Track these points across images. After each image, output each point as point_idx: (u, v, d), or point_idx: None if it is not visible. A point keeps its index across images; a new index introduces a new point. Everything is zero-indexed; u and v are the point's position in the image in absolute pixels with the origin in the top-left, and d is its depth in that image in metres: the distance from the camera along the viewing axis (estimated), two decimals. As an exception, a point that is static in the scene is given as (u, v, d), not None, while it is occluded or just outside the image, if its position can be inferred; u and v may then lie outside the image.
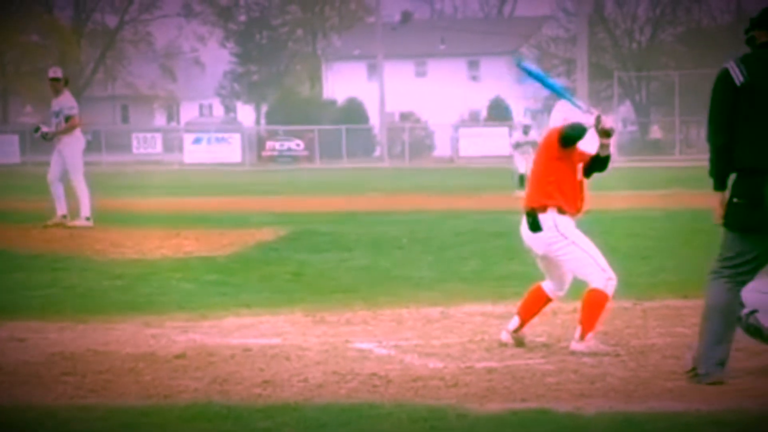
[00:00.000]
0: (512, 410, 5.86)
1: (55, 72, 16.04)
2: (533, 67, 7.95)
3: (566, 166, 7.42)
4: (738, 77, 6.19)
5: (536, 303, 7.70)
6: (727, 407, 5.89)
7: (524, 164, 23.51)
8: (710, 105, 6.28)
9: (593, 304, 7.35)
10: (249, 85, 71.76)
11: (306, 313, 9.10)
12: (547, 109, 64.27)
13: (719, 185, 6.35)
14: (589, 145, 7.47)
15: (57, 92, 15.80)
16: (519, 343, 7.63)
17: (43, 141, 16.33)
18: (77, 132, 15.81)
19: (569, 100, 7.56)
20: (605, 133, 7.41)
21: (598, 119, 7.38)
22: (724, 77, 6.22)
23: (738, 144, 6.25)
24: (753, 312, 6.69)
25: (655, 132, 59.19)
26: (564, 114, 7.54)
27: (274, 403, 6.08)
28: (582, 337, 7.33)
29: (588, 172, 7.58)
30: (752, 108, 6.18)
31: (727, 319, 6.43)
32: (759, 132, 6.21)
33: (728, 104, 6.20)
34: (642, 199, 22.65)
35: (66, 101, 15.75)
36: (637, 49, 63.65)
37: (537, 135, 25.03)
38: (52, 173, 15.79)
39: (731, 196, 6.33)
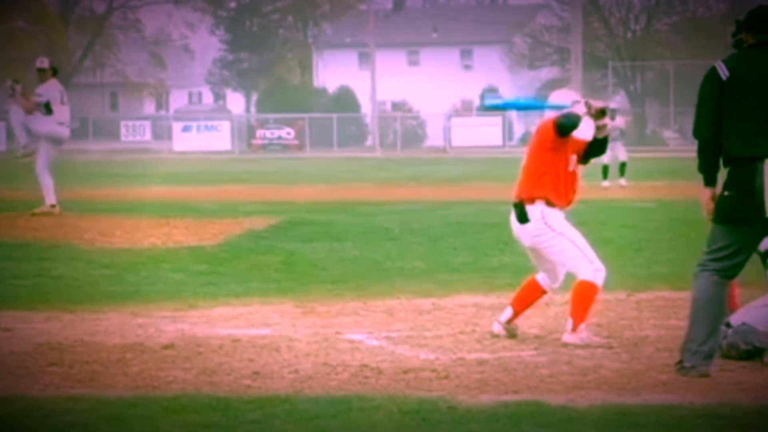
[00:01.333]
0: (504, 402, 5.82)
1: (42, 62, 15.86)
2: (499, 100, 7.93)
3: (559, 157, 7.39)
4: (724, 72, 6.34)
5: (531, 295, 7.66)
6: (720, 400, 5.88)
7: (609, 153, 23.43)
8: (697, 101, 6.41)
9: (583, 295, 7.32)
10: (239, 72, 71.59)
11: (296, 303, 9.04)
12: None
13: (709, 180, 6.41)
14: (584, 132, 7.44)
15: (42, 82, 15.65)
16: (511, 334, 7.58)
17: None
18: (51, 123, 15.48)
19: (551, 107, 7.52)
20: (600, 114, 7.39)
21: (587, 105, 7.36)
22: (711, 73, 6.37)
23: (726, 136, 6.34)
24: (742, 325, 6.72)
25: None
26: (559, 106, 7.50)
27: (263, 395, 6.03)
28: (574, 329, 7.30)
29: (586, 157, 7.56)
30: (737, 99, 6.31)
31: (713, 313, 6.45)
32: (745, 122, 6.31)
33: (714, 98, 6.33)
34: (636, 190, 22.62)
35: (40, 89, 15.55)
36: (631, 39, 63.56)
37: (622, 121, 24.83)
38: (39, 164, 15.61)
39: (722, 190, 6.38)
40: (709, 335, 6.42)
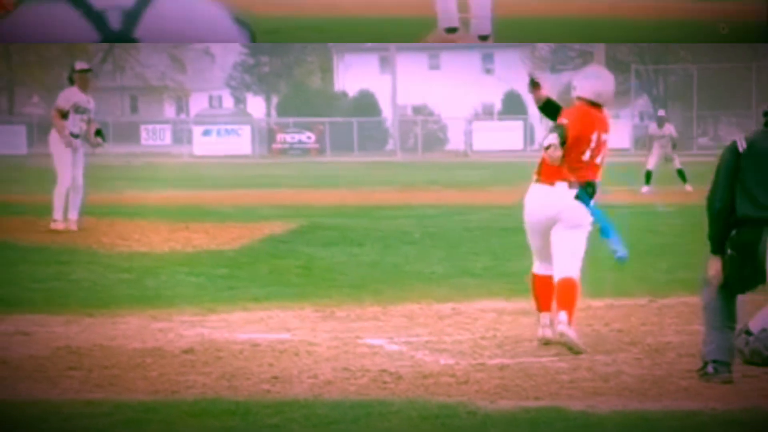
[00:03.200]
0: (524, 408, 5.78)
1: (81, 65, 15.18)
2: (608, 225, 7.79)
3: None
4: (742, 145, 6.56)
5: (547, 290, 7.60)
6: (742, 406, 5.84)
7: (655, 160, 23.39)
8: (715, 172, 6.62)
9: (573, 291, 7.36)
10: (259, 76, 71.67)
11: (315, 308, 9.02)
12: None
13: (716, 248, 6.54)
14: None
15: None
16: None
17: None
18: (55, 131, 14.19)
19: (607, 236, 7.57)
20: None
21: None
22: (731, 146, 6.61)
23: (738, 201, 6.52)
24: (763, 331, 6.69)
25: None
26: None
27: (282, 399, 6.01)
28: (570, 321, 7.29)
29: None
30: (752, 167, 6.51)
31: (725, 315, 6.52)
32: (756, 187, 6.48)
33: (730, 169, 6.53)
34: (658, 194, 22.50)
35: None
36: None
37: (672, 128, 24.84)
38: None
39: (725, 248, 6.52)
40: (726, 339, 6.47)
